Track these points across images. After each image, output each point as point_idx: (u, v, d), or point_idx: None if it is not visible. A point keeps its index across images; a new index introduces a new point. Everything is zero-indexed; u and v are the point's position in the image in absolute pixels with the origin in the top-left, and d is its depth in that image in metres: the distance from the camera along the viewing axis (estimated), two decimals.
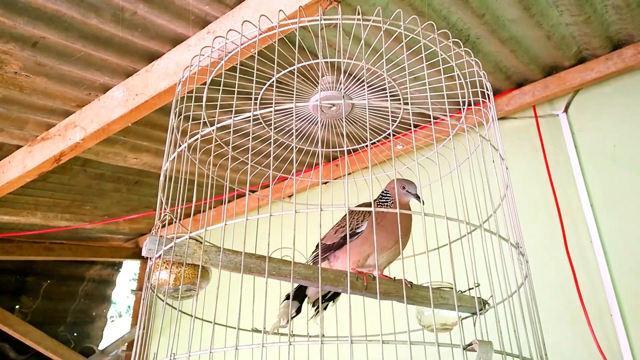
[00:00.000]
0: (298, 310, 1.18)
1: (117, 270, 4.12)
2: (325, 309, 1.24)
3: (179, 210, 0.99)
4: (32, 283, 3.70)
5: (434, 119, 0.95)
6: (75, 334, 3.82)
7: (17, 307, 3.60)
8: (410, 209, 1.22)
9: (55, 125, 2.17)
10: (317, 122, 1.34)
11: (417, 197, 1.20)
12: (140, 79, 1.85)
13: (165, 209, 0.95)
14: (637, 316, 1.83)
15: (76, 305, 3.87)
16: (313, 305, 1.23)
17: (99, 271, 3.99)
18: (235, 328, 0.75)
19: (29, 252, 3.41)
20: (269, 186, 2.86)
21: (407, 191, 1.20)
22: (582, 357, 1.88)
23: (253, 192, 2.73)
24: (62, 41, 1.71)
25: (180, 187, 1.00)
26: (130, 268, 4.47)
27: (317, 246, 1.24)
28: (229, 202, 3.16)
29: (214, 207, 2.80)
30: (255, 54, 0.98)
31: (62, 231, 3.37)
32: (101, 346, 3.92)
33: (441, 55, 1.05)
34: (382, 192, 1.25)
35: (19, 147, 2.32)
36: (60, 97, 2.01)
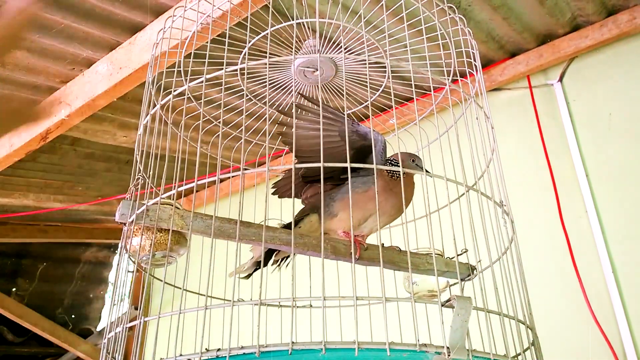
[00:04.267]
0: (265, 261, 1.14)
1: (114, 252, 4.11)
2: (286, 266, 1.21)
3: (154, 177, 0.96)
4: (28, 266, 3.69)
5: (424, 90, 0.92)
6: (73, 316, 3.83)
7: (13, 289, 3.60)
8: (414, 182, 1.20)
9: (40, 102, 2.14)
10: (302, 91, 1.30)
11: (427, 171, 1.18)
12: (124, 52, 1.82)
13: (140, 170, 0.93)
14: (632, 284, 1.82)
15: (73, 287, 3.87)
16: (273, 263, 1.19)
17: (95, 253, 3.98)
18: (204, 295, 0.73)
19: (24, 234, 3.40)
20: (259, 165, 2.83)
21: (415, 164, 1.20)
22: (576, 325, 1.87)
23: (246, 169, 2.70)
24: (40, 12, 1.67)
25: (152, 155, 0.97)
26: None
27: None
28: (220, 181, 3.13)
29: (206, 186, 2.77)
30: (228, 15, 0.95)
31: (56, 213, 3.35)
32: (99, 327, 3.93)
33: (423, 13, 1.01)
34: (390, 160, 1.21)
35: None
36: (43, 72, 1.97)
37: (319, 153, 1.10)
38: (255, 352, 0.65)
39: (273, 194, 1.24)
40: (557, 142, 2.15)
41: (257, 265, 1.13)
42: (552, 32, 2.14)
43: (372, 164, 1.13)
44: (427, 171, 1.16)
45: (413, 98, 0.93)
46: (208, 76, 0.84)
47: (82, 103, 1.92)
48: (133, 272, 0.99)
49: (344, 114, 1.05)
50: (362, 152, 1.11)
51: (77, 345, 3.53)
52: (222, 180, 3.19)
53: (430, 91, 0.97)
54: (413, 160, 1.21)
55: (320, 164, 0.75)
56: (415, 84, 0.94)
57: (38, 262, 3.73)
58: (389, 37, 0.99)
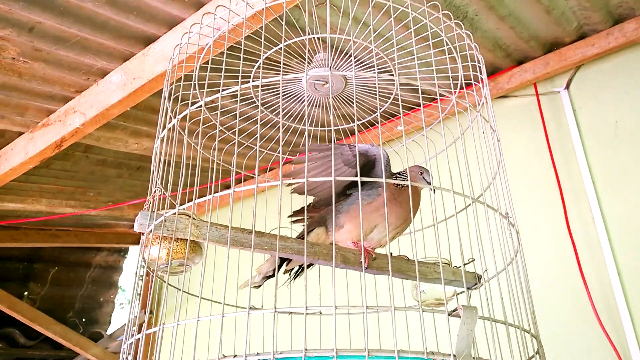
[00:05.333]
0: (274, 272, 1.17)
1: (124, 256, 4.17)
2: (295, 278, 1.24)
3: (170, 187, 1.00)
4: (39, 270, 3.75)
5: (431, 97, 0.95)
6: (83, 320, 3.89)
7: (25, 293, 3.66)
8: (420, 194, 1.22)
9: (55, 111, 2.19)
10: (313, 101, 1.33)
11: (434, 186, 1.21)
12: (137, 62, 1.86)
13: (157, 182, 0.96)
14: (639, 291, 1.82)
15: (84, 291, 3.92)
16: (285, 272, 1.22)
17: (106, 257, 4.03)
18: (220, 303, 0.76)
19: (36, 239, 3.45)
20: (270, 169, 2.87)
21: (423, 177, 1.22)
22: (583, 332, 1.88)
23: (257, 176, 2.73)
24: (58, 26, 1.71)
25: (168, 163, 1.01)
26: (136, 254, 4.52)
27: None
28: (228, 187, 3.17)
29: (215, 193, 2.81)
30: (243, 29, 0.98)
31: (67, 218, 3.40)
32: (109, 331, 3.98)
33: (431, 28, 1.04)
34: (400, 172, 1.24)
35: (20, 133, 2.34)
36: (59, 82, 2.02)
37: (325, 186, 1.15)
38: (270, 358, 0.68)
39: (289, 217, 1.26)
40: (563, 149, 2.16)
41: (265, 280, 1.17)
42: (559, 41, 2.16)
43: (378, 177, 1.17)
44: (434, 186, 1.18)
45: (420, 105, 0.96)
46: (224, 93, 0.87)
47: (96, 112, 1.96)
48: (150, 276, 1.02)
49: (347, 145, 1.09)
50: (366, 167, 1.14)
51: (88, 349, 3.57)
52: (228, 187, 3.22)
53: (437, 100, 1.00)
54: (421, 173, 1.24)
55: (332, 178, 0.78)
56: (422, 96, 0.97)
57: (50, 267, 3.79)
58: (398, 50, 1.02)
